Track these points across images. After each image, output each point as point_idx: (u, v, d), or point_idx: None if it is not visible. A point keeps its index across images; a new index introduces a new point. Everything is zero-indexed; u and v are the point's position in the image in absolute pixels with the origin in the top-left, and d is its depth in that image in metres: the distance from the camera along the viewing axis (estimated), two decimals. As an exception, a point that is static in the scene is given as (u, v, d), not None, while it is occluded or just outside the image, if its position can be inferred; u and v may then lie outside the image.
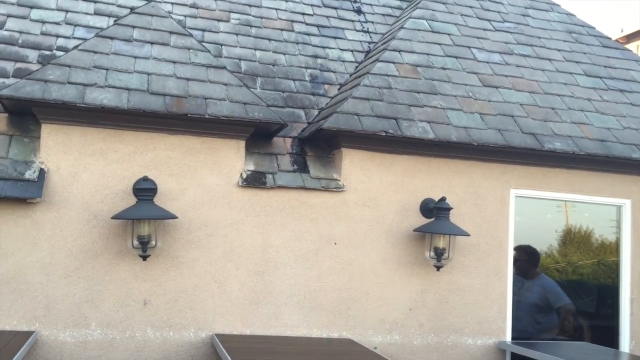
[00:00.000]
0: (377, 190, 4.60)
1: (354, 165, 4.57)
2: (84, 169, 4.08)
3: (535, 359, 4.40)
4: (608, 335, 5.17)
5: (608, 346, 4.98)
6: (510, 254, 4.86)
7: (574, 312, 5.28)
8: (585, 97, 5.49)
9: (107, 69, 4.22)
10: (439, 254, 4.47)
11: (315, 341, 4.30)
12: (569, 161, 4.94)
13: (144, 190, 3.97)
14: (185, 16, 5.64)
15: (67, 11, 5.24)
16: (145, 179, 4.03)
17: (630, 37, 10.62)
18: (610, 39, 6.57)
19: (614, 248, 5.28)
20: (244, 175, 4.34)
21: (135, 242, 3.98)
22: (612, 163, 5.00)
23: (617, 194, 5.15)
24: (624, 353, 4.98)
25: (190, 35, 4.79)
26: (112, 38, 4.47)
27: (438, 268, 4.56)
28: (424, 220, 4.59)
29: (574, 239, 5.43)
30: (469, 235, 4.57)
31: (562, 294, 5.22)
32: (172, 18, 4.94)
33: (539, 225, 5.33)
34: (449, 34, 5.73)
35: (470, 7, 6.27)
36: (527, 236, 5.09)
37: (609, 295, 5.30)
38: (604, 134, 5.08)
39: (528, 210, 5.04)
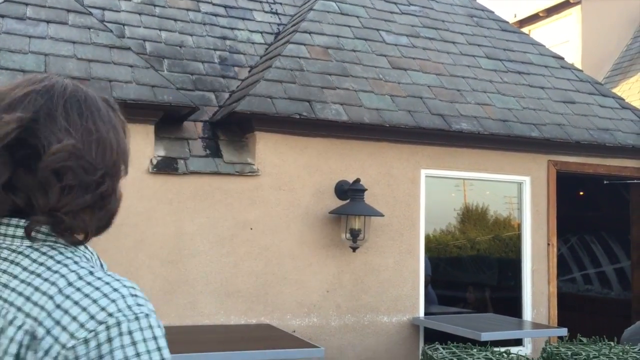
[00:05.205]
0: (292, 173, 4.57)
1: (268, 149, 4.51)
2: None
3: (447, 332, 4.58)
4: (511, 306, 5.46)
5: (512, 316, 5.27)
6: (422, 232, 5.00)
7: (429, 282, 5.19)
8: (487, 79, 5.71)
9: (-2, 50, 3.89)
10: (355, 235, 4.52)
11: (233, 328, 4.23)
12: (475, 141, 5.13)
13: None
14: (82, -7, 5.30)
15: (-53, -15, 4.77)
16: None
17: (523, 22, 11.16)
18: (508, 23, 6.86)
19: (516, 223, 5.57)
20: (154, 162, 4.17)
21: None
22: (513, 142, 5.25)
23: (518, 171, 5.41)
24: (527, 321, 5.28)
25: (90, 13, 4.51)
26: (2, 16, 4.13)
27: (354, 249, 4.60)
28: (339, 202, 4.62)
29: (471, 216, 5.63)
30: (383, 215, 4.65)
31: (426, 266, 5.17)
32: (69, -5, 4.62)
33: (446, 203, 5.51)
34: (357, 17, 5.76)
35: (377, -11, 6.33)
36: (435, 215, 5.24)
37: (509, 268, 5.58)
38: (506, 114, 5.31)
39: (436, 189, 5.19)
